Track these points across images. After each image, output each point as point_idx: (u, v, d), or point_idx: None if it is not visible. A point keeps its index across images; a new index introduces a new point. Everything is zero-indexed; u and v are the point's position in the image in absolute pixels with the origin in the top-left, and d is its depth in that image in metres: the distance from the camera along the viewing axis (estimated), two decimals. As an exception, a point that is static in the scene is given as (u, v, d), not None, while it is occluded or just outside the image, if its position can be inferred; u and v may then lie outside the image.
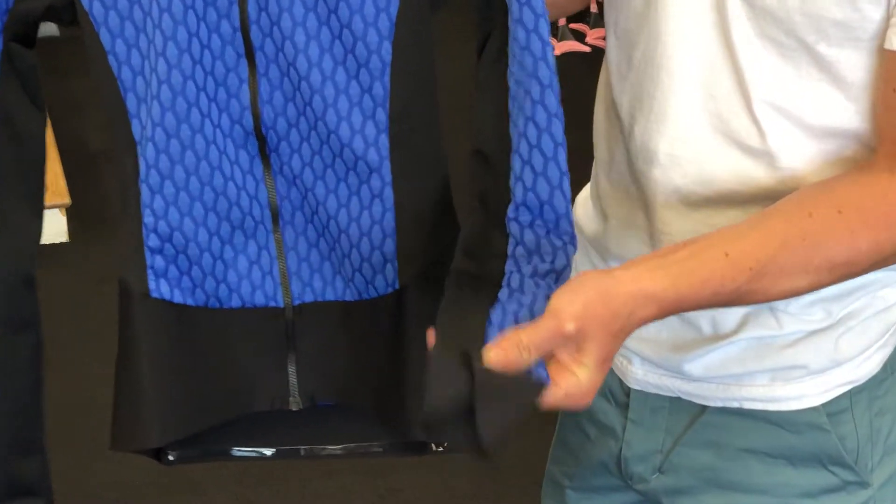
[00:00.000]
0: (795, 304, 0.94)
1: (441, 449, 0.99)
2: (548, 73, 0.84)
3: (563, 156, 0.86)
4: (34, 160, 0.97)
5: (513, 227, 0.86)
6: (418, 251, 0.95)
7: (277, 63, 0.92)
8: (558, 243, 0.85)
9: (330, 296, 0.99)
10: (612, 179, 1.03)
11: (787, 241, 0.83)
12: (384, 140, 0.93)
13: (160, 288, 0.96)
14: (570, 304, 0.75)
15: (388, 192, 0.94)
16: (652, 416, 1.07)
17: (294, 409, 1.00)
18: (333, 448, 1.04)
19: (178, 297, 0.97)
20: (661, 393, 1.05)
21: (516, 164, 0.87)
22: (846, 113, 0.88)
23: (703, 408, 1.02)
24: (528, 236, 0.86)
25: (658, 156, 0.93)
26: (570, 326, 0.74)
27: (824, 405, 0.99)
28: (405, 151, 0.94)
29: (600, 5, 3.69)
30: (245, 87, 0.93)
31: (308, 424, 1.03)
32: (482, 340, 0.77)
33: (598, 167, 1.06)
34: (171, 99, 0.91)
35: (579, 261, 1.03)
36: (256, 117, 0.94)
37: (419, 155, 0.95)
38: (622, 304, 0.76)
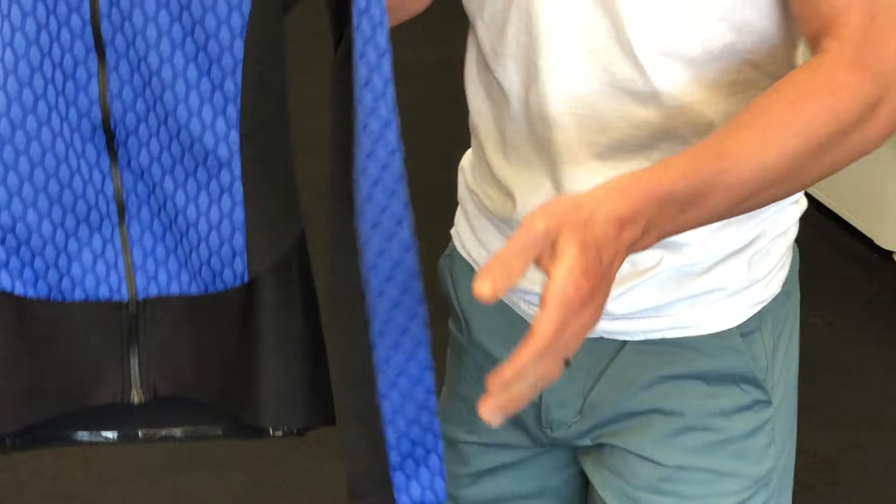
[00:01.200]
0: (709, 230, 0.99)
1: (280, 433, 1.05)
2: (385, 76, 0.92)
3: (398, 160, 0.93)
4: None
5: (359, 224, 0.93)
6: (267, 245, 1.00)
7: (128, 58, 0.95)
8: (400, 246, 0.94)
9: (175, 289, 1.03)
10: (509, 157, 1.07)
11: (763, 118, 0.88)
12: (234, 136, 0.97)
13: (1, 280, 1.00)
14: (537, 211, 0.78)
15: (238, 187, 0.99)
16: (573, 359, 0.98)
17: (136, 402, 1.04)
18: (173, 430, 1.10)
19: (18, 289, 1.00)
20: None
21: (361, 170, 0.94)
22: (718, 29, 0.94)
23: (623, 343, 1.08)
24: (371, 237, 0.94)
25: (556, 119, 0.99)
26: (539, 226, 0.76)
27: (738, 326, 1.07)
28: (255, 147, 0.99)
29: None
30: (94, 81, 0.97)
31: (149, 411, 1.07)
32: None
33: (490, 152, 1.10)
34: (17, 90, 0.95)
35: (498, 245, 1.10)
36: (105, 111, 0.98)
37: (269, 150, 1.00)
38: (590, 200, 0.78)
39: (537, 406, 1.14)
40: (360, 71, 0.93)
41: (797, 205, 1.13)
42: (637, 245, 0.80)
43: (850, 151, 0.91)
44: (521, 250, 0.75)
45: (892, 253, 3.02)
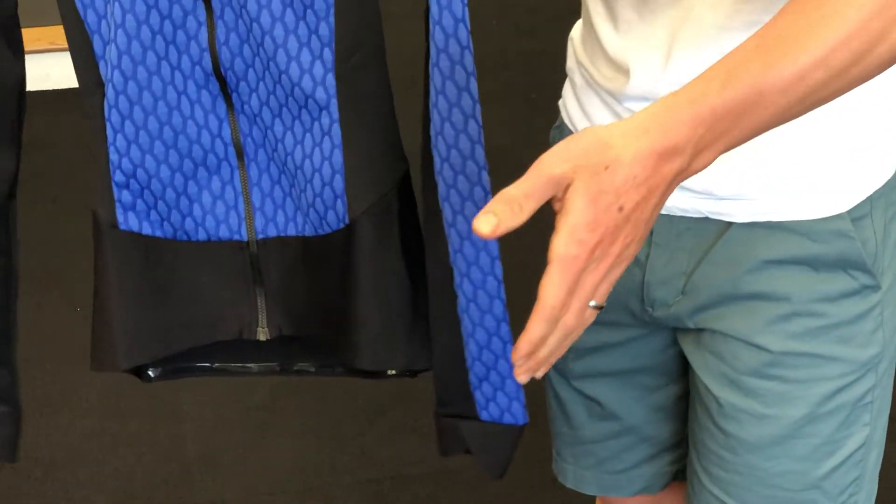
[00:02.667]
0: (818, 115, 0.88)
1: (393, 373, 1.10)
2: (459, 6, 0.91)
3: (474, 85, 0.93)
4: (10, 96, 1.02)
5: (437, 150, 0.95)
6: (366, 188, 1.00)
7: (231, 6, 0.97)
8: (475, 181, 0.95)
9: (291, 231, 1.05)
10: (620, 30, 1.02)
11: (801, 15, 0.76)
12: (331, 79, 0.97)
13: (128, 221, 1.03)
14: (557, 149, 0.71)
15: (336, 130, 0.99)
16: (677, 238, 1.07)
17: (262, 339, 1.08)
18: (306, 365, 1.15)
19: (146, 230, 1.04)
20: (688, 215, 1.05)
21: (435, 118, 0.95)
22: None
23: (728, 225, 1.03)
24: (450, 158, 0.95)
25: None
26: (555, 169, 0.70)
27: (849, 211, 1.01)
28: (352, 90, 0.98)
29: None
30: (203, 29, 0.99)
31: (272, 347, 1.12)
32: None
33: (599, 25, 1.05)
34: (125, 47, 0.97)
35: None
36: (215, 58, 0.99)
37: (365, 93, 1.00)
38: (621, 136, 0.71)
39: (640, 284, 1.12)
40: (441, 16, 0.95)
41: None
42: (689, 171, 0.76)
43: None
44: (533, 191, 0.72)
45: None
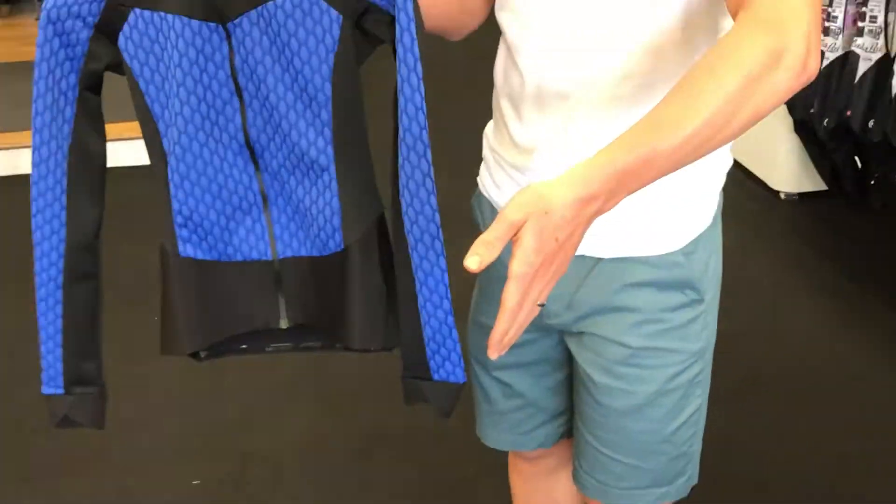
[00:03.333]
0: (672, 179, 1.02)
1: (373, 350, 1.25)
2: (419, 98, 1.08)
3: (428, 154, 1.09)
4: (97, 169, 1.22)
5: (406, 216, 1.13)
6: (355, 224, 1.19)
7: (257, 97, 1.16)
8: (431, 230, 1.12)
9: (303, 252, 1.24)
10: (525, 123, 1.21)
11: (694, 90, 0.92)
12: (330, 150, 1.17)
13: (186, 250, 1.22)
14: (511, 203, 0.87)
15: (334, 185, 1.18)
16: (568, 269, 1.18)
17: (283, 327, 1.28)
18: (312, 344, 1.32)
19: (199, 255, 1.23)
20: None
21: (401, 168, 1.12)
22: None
23: (599, 259, 1.23)
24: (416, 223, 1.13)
25: (563, 91, 1.15)
26: (512, 216, 0.86)
27: (681, 249, 1.23)
28: (344, 157, 1.18)
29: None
30: (237, 114, 1.17)
31: (288, 334, 1.29)
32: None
33: (509, 121, 1.24)
34: (182, 127, 1.16)
35: None
36: (246, 134, 1.19)
37: (354, 159, 1.19)
38: (552, 189, 0.86)
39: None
40: (405, 91, 1.11)
41: (724, 162, 1.26)
42: (602, 211, 0.89)
43: (768, 96, 0.94)
44: (501, 235, 0.87)
45: (779, 192, 3.47)
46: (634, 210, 1.11)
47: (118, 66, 1.17)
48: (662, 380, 1.28)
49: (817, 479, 2.19)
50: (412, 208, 1.12)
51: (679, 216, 1.22)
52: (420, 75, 1.08)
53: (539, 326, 1.27)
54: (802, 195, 3.43)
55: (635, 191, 0.89)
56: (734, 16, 0.98)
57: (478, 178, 1.35)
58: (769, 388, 2.50)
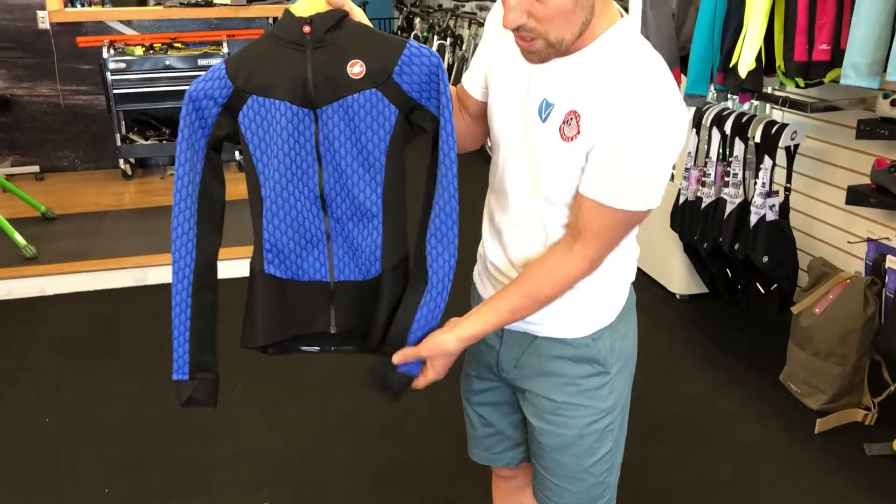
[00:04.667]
0: (580, 291, 1.24)
1: (388, 346, 1.25)
2: (451, 175, 1.17)
3: (455, 212, 1.17)
4: (218, 208, 1.27)
5: (428, 264, 1.18)
6: (390, 258, 1.24)
7: (332, 163, 1.21)
8: (443, 274, 1.19)
9: (352, 277, 1.28)
10: (484, 243, 1.35)
11: (523, 292, 1.20)
12: (380, 203, 1.23)
13: (269, 268, 1.26)
14: (427, 348, 1.20)
15: (380, 227, 1.24)
16: (512, 340, 1.36)
17: (333, 332, 1.31)
18: (349, 349, 1.33)
19: (278, 274, 1.27)
20: (517, 329, 1.34)
21: (433, 220, 1.18)
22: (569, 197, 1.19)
23: (536, 336, 1.32)
24: (432, 268, 1.19)
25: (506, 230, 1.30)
26: (424, 352, 1.21)
27: (590, 335, 1.30)
28: (389, 208, 1.23)
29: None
30: (316, 175, 1.22)
31: (337, 337, 1.31)
32: (405, 342, 1.19)
33: (484, 240, 1.35)
34: (276, 179, 1.21)
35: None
36: (321, 189, 1.23)
37: (395, 209, 1.24)
38: (450, 347, 1.21)
39: (496, 360, 1.37)
40: (442, 168, 1.15)
41: (626, 278, 1.31)
42: (467, 345, 1.21)
43: (569, 289, 1.19)
44: (416, 356, 1.18)
45: (675, 294, 3.60)
46: (558, 309, 1.25)
47: (234, 136, 1.21)
48: (580, 426, 1.32)
49: (705, 497, 2.28)
50: (436, 250, 1.17)
51: (588, 314, 1.29)
52: (455, 158, 1.16)
53: (497, 377, 1.40)
54: (692, 296, 3.56)
55: (485, 335, 1.22)
56: (571, 229, 1.17)
57: (473, 276, 1.44)
58: (670, 432, 2.60)
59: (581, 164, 1.13)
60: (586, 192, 1.12)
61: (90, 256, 3.91)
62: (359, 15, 1.19)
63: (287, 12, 1.17)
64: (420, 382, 1.23)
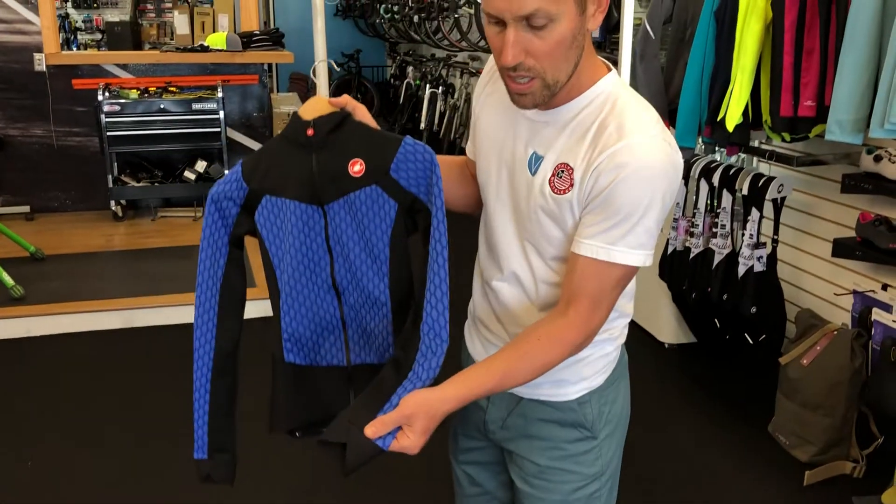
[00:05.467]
0: (566, 362, 1.18)
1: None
2: (442, 260, 1.16)
3: (446, 299, 1.15)
4: (240, 300, 1.30)
5: (422, 334, 1.16)
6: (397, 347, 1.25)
7: (342, 255, 1.24)
8: (437, 345, 1.15)
9: (368, 360, 1.30)
10: (474, 299, 1.34)
11: (516, 357, 1.13)
12: (387, 291, 1.25)
13: (288, 356, 1.29)
14: (409, 404, 1.07)
15: (389, 315, 1.26)
16: (499, 400, 1.34)
17: None
18: None
19: (297, 361, 1.29)
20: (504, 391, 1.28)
21: (426, 302, 1.16)
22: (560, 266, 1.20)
23: (521, 398, 1.30)
24: (425, 341, 1.16)
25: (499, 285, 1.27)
26: (407, 410, 1.07)
27: (576, 399, 1.27)
28: (396, 296, 1.26)
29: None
30: (328, 268, 1.25)
31: None
32: (376, 413, 1.08)
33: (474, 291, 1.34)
34: (290, 273, 1.25)
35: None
36: (333, 280, 1.26)
37: (401, 297, 1.26)
38: (435, 404, 1.08)
39: (483, 421, 1.35)
40: (434, 266, 1.16)
41: (616, 341, 1.27)
42: (456, 409, 1.07)
43: (564, 360, 1.13)
44: (394, 422, 1.05)
45: (664, 343, 3.64)
46: (544, 373, 1.20)
47: (252, 232, 1.26)
48: (565, 492, 1.30)
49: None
50: (430, 317, 1.17)
51: (574, 376, 1.27)
52: (445, 253, 1.17)
53: (485, 436, 1.38)
54: (681, 345, 3.59)
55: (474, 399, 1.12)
56: (564, 297, 1.13)
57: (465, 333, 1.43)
58: (658, 482, 2.61)
59: (572, 217, 1.13)
60: (580, 250, 1.11)
61: (78, 297, 3.90)
62: (361, 112, 1.23)
63: (295, 115, 1.24)
64: (394, 445, 1.07)
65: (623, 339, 1.31)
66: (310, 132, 1.20)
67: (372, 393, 1.15)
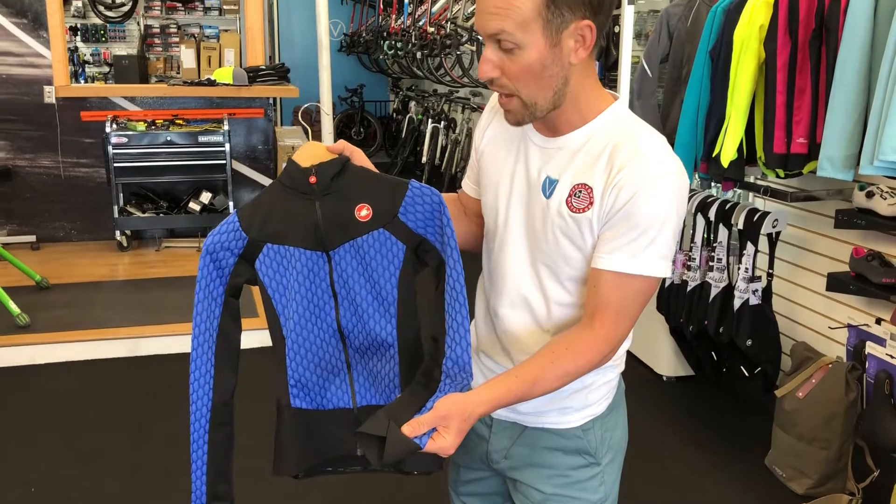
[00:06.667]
0: (565, 390, 1.21)
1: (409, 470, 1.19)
2: (462, 298, 1.17)
3: (468, 336, 1.17)
4: (234, 350, 1.27)
5: (445, 367, 1.18)
6: (408, 382, 1.24)
7: (347, 298, 1.23)
8: (463, 377, 1.17)
9: (374, 402, 1.28)
10: (476, 322, 1.33)
11: (545, 364, 1.14)
12: (394, 333, 1.24)
13: (295, 402, 1.26)
14: (444, 405, 1.08)
15: (396, 357, 1.25)
16: (503, 431, 1.34)
17: (360, 454, 1.28)
18: (374, 467, 1.25)
19: (303, 406, 1.27)
20: (507, 419, 1.33)
21: (448, 339, 1.17)
22: (581, 288, 1.20)
23: (525, 427, 1.31)
24: (449, 372, 1.17)
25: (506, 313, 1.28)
26: (443, 413, 1.07)
27: (580, 426, 1.29)
28: (403, 338, 1.25)
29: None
30: (333, 311, 1.24)
31: (365, 460, 1.27)
32: (413, 414, 1.09)
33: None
34: (296, 320, 1.23)
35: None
36: (339, 324, 1.24)
37: (409, 338, 1.25)
38: (469, 406, 1.09)
39: (486, 451, 1.35)
40: (454, 305, 1.17)
41: (616, 369, 1.30)
42: (487, 414, 1.08)
43: (588, 372, 1.16)
44: (429, 423, 1.05)
45: (662, 376, 3.65)
46: (549, 400, 1.25)
47: (252, 280, 1.24)
48: None
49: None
50: (454, 352, 1.18)
51: (577, 406, 1.29)
52: (463, 289, 1.18)
53: (488, 466, 1.38)
54: (678, 378, 3.61)
55: (502, 407, 1.13)
56: (588, 312, 1.15)
57: None
58: None
59: (591, 235, 1.16)
60: (603, 265, 1.14)
61: (82, 326, 3.94)
62: (358, 156, 1.24)
63: (292, 162, 1.23)
64: (430, 446, 1.07)
65: (623, 366, 1.33)
66: (312, 180, 1.20)
67: (405, 399, 1.16)
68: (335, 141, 1.28)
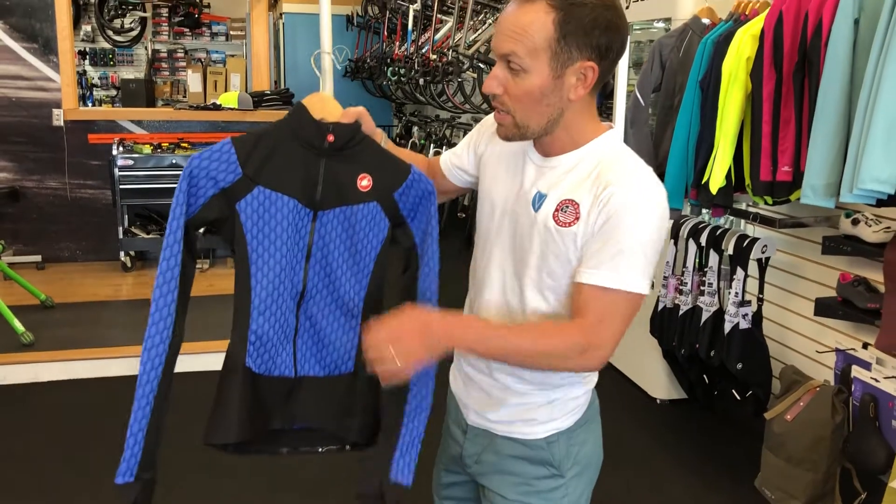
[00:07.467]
0: (538, 394, 1.27)
1: (361, 445, 1.26)
2: (434, 286, 1.22)
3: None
4: (189, 290, 1.24)
5: None
6: (363, 355, 1.16)
7: (321, 262, 1.23)
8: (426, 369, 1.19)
9: (313, 373, 1.28)
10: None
11: (522, 326, 1.19)
12: (361, 304, 1.26)
13: (248, 361, 1.24)
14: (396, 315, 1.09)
15: (357, 328, 1.27)
16: (475, 436, 1.39)
17: (295, 427, 1.29)
18: (307, 450, 1.31)
19: (254, 368, 1.24)
20: (479, 426, 1.38)
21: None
22: (565, 295, 1.23)
23: (495, 435, 1.35)
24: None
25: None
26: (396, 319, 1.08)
27: (545, 438, 1.32)
28: (368, 305, 1.28)
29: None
30: (301, 271, 1.24)
31: (297, 436, 1.29)
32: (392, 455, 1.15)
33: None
34: (269, 272, 1.21)
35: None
36: (304, 286, 1.24)
37: (373, 311, 1.27)
38: (423, 311, 1.11)
39: (460, 455, 1.40)
40: (426, 281, 1.21)
41: (585, 386, 1.32)
42: (433, 345, 1.07)
43: (561, 367, 1.17)
44: (392, 334, 1.07)
45: (655, 399, 3.69)
46: (517, 411, 1.31)
47: (219, 221, 1.19)
48: None
49: None
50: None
51: (542, 419, 1.33)
52: (437, 274, 1.23)
53: (463, 470, 1.43)
54: (671, 401, 3.64)
55: (452, 348, 1.13)
56: (573, 310, 1.18)
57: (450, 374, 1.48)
58: None
59: (575, 249, 1.20)
60: (585, 279, 1.17)
61: (86, 345, 3.99)
62: (368, 124, 1.25)
63: (304, 109, 1.20)
64: (380, 366, 1.07)
65: (593, 383, 1.37)
66: (330, 138, 1.19)
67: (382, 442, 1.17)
68: None
